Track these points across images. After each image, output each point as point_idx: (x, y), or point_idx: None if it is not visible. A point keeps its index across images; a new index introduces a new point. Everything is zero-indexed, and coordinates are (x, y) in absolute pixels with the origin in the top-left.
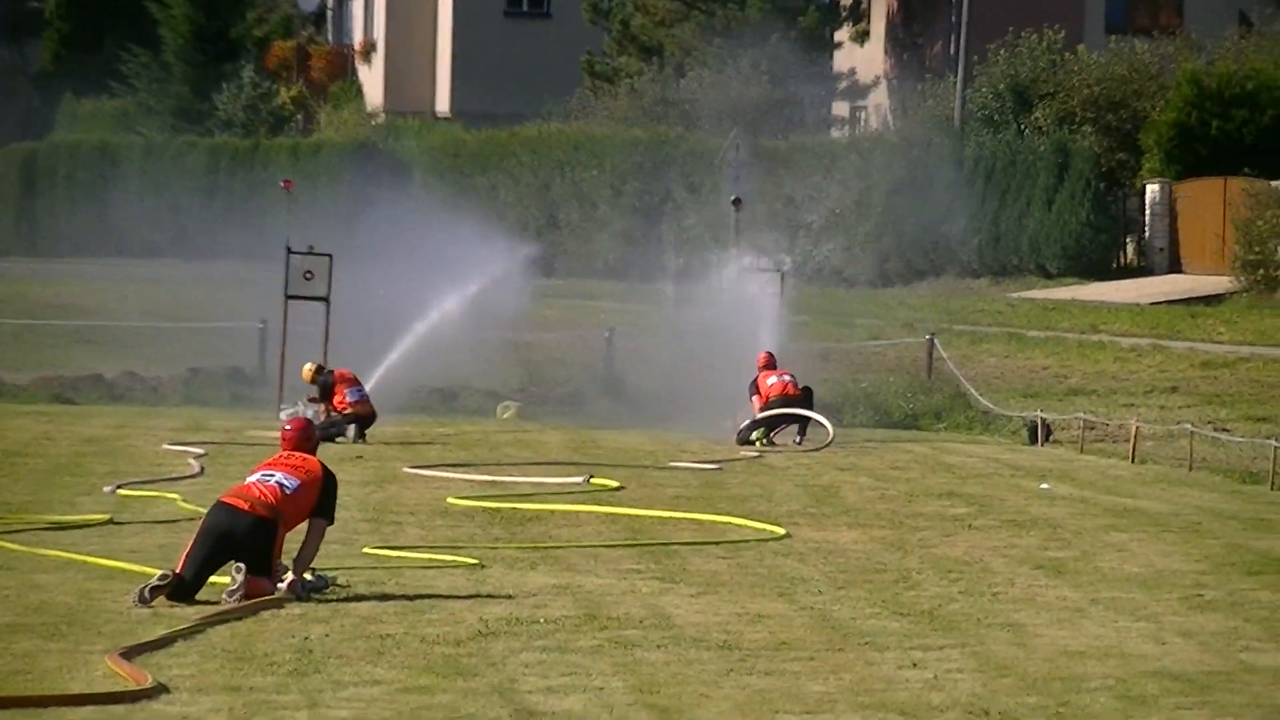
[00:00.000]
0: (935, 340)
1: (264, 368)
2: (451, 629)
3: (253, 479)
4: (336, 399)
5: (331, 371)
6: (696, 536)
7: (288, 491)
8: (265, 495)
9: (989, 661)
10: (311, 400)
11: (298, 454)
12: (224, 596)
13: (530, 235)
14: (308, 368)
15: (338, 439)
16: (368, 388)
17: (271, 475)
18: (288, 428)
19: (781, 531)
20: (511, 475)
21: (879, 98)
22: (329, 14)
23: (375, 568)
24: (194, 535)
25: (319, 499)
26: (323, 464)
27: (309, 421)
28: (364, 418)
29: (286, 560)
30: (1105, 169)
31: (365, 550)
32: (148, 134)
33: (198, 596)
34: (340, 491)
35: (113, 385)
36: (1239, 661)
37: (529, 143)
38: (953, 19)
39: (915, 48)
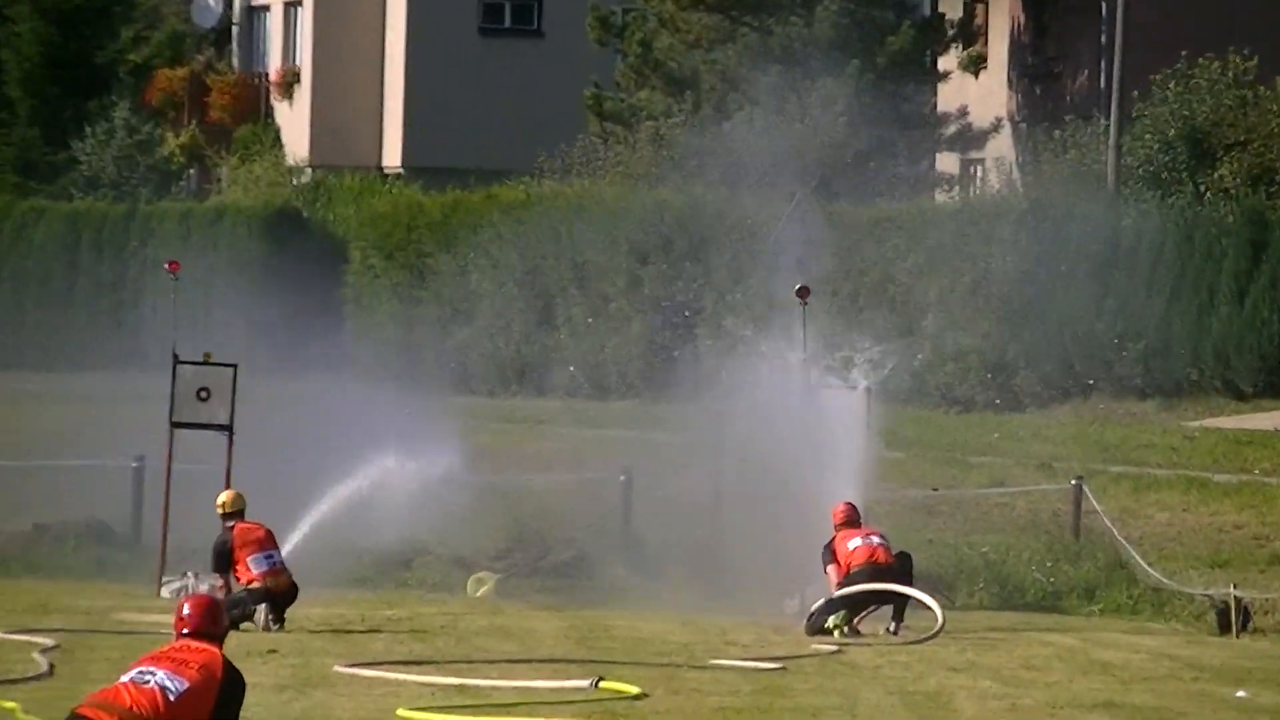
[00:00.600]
0: (1084, 487)
1: (139, 523)
2: None
3: (125, 679)
4: (238, 568)
5: (231, 526)
6: None
7: (171, 698)
8: (140, 705)
9: None
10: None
11: (195, 644)
12: None
13: (515, 335)
14: (225, 497)
15: (242, 624)
16: (284, 551)
17: (151, 674)
18: (186, 609)
19: None
20: (488, 677)
21: (1000, 147)
22: (234, 32)
23: None
24: None
25: (215, 711)
26: (226, 660)
27: (215, 603)
28: (278, 594)
29: None
30: None
31: None
32: None
33: None
34: (250, 698)
35: None
36: None
37: (513, 209)
38: (1102, 39)
39: (1051, 79)
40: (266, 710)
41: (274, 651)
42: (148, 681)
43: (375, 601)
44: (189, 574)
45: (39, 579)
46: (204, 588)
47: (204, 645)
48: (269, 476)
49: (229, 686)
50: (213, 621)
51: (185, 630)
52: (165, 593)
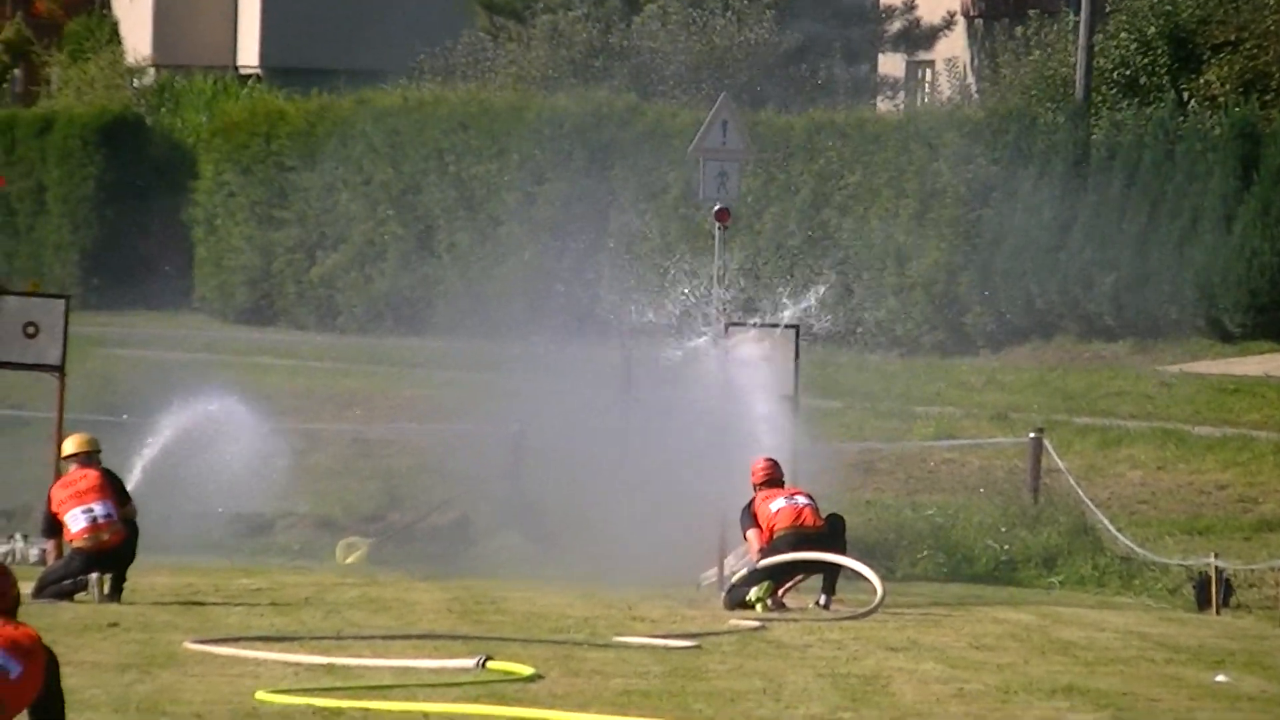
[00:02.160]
0: (1045, 441)
1: None
2: None
3: None
4: (64, 529)
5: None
6: None
7: (11, 677)
8: None
9: None
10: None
11: (10, 624)
12: None
13: (390, 264)
14: (72, 441)
15: (76, 595)
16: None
17: None
18: None
19: None
20: (359, 656)
21: (953, 48)
22: None
23: None
24: None
25: (42, 692)
26: (41, 639)
27: (2, 568)
28: (106, 553)
29: None
30: None
31: None
32: None
33: None
34: (88, 679)
35: None
36: None
37: (387, 116)
38: None
39: None
40: (106, 693)
41: (115, 625)
42: None
43: (230, 569)
44: (16, 536)
45: None
46: (34, 553)
47: (18, 624)
48: (110, 423)
49: (52, 672)
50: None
51: None
52: None
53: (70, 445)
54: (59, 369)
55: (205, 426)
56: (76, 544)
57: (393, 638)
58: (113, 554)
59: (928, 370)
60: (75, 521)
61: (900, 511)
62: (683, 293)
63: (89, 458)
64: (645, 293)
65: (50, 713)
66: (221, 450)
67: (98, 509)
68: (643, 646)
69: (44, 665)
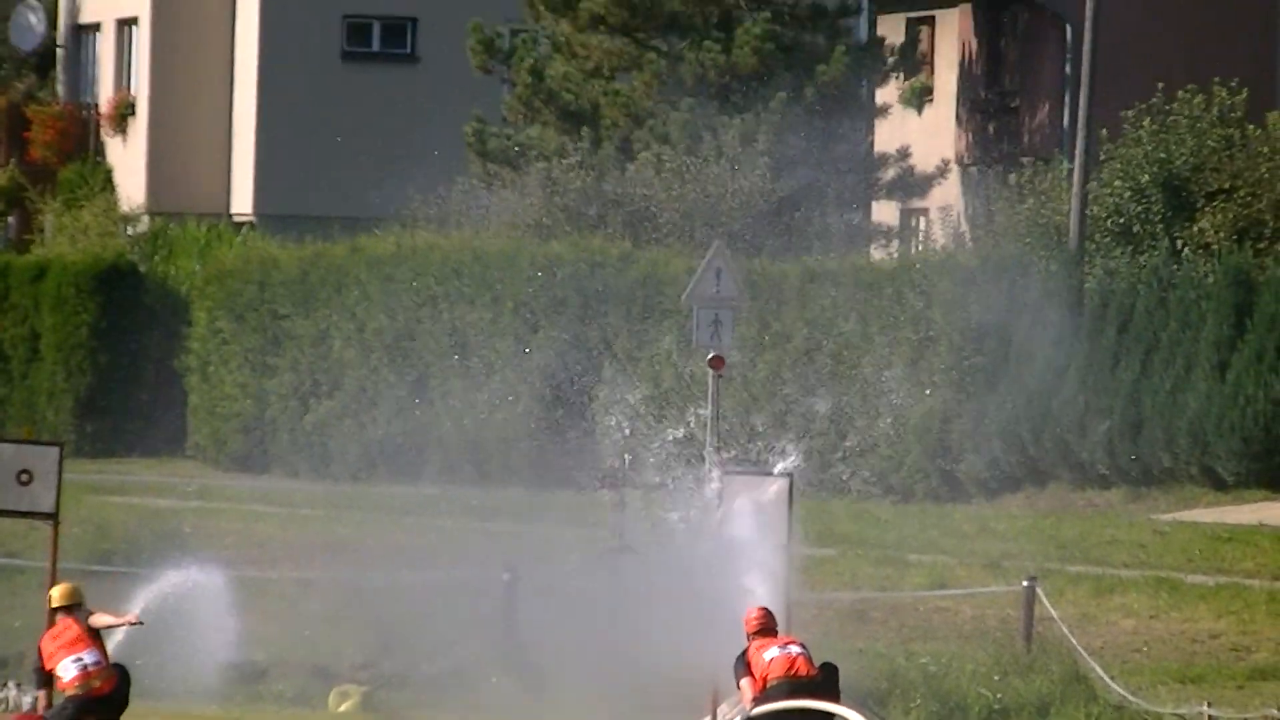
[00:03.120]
0: (1037, 589)
1: None
2: None
3: None
4: (56, 681)
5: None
6: None
7: None
8: None
9: None
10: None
11: None
12: None
13: (384, 411)
14: (57, 591)
15: None
16: (111, 647)
17: None
18: None
19: None
20: None
21: (947, 195)
22: (58, 55)
23: None
24: None
25: None
26: None
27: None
28: (103, 699)
29: None
30: None
31: None
32: None
33: None
34: None
35: None
36: None
37: (381, 264)
38: (1067, 69)
39: (1006, 114)
40: None
41: None
42: None
43: (223, 716)
44: (11, 684)
45: None
46: (26, 701)
47: None
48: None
49: None
50: None
51: None
52: None
53: (56, 597)
54: (53, 516)
55: (197, 574)
56: (69, 692)
57: None
58: (105, 701)
59: (921, 518)
60: (66, 671)
61: (893, 660)
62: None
63: (75, 609)
64: (638, 439)
65: None
66: (214, 598)
67: (87, 657)
68: None
69: None
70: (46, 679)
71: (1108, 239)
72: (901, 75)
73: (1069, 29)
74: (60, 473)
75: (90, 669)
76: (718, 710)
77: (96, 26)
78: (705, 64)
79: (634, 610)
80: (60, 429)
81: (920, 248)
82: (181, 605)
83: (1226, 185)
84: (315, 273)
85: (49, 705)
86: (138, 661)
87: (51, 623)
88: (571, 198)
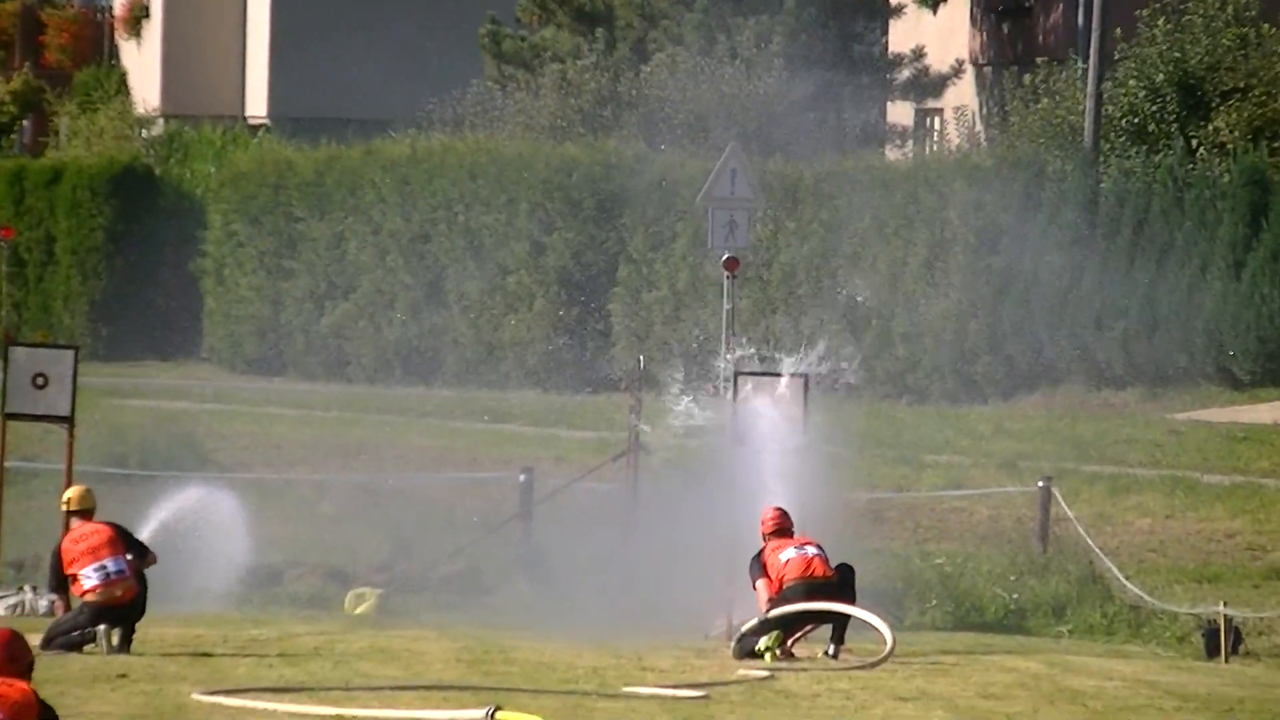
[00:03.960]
0: (1053, 489)
1: None
2: None
3: None
4: (74, 580)
5: (60, 539)
6: None
7: None
8: None
9: None
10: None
11: (3, 680)
12: None
13: (399, 314)
14: (72, 493)
15: (85, 646)
16: (120, 565)
17: None
18: None
19: None
20: (368, 706)
21: (962, 95)
22: None
23: None
24: None
25: None
26: (37, 696)
27: (13, 635)
28: (120, 608)
29: None
30: None
31: None
32: None
33: None
34: None
35: None
36: None
37: (397, 166)
38: None
39: (1020, 15)
40: None
41: (124, 677)
42: None
43: (239, 620)
44: (26, 588)
45: None
46: (42, 604)
47: (12, 681)
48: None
49: (48, 716)
50: (9, 659)
51: None
52: (0, 608)
53: (74, 500)
54: (68, 420)
55: (213, 477)
56: (89, 598)
57: (402, 688)
58: (124, 609)
59: (937, 419)
60: (89, 578)
61: (909, 561)
62: (691, 341)
63: (90, 514)
64: (654, 341)
65: None
66: (229, 501)
67: (111, 565)
68: (652, 697)
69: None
70: (64, 582)
71: (1122, 139)
72: None
73: None
74: (76, 376)
75: (113, 577)
76: (733, 612)
77: None
78: None
79: (649, 512)
80: (76, 332)
81: (935, 148)
82: (196, 509)
83: (1241, 84)
84: (330, 175)
85: (67, 609)
86: (155, 566)
87: (66, 526)
88: (586, 100)
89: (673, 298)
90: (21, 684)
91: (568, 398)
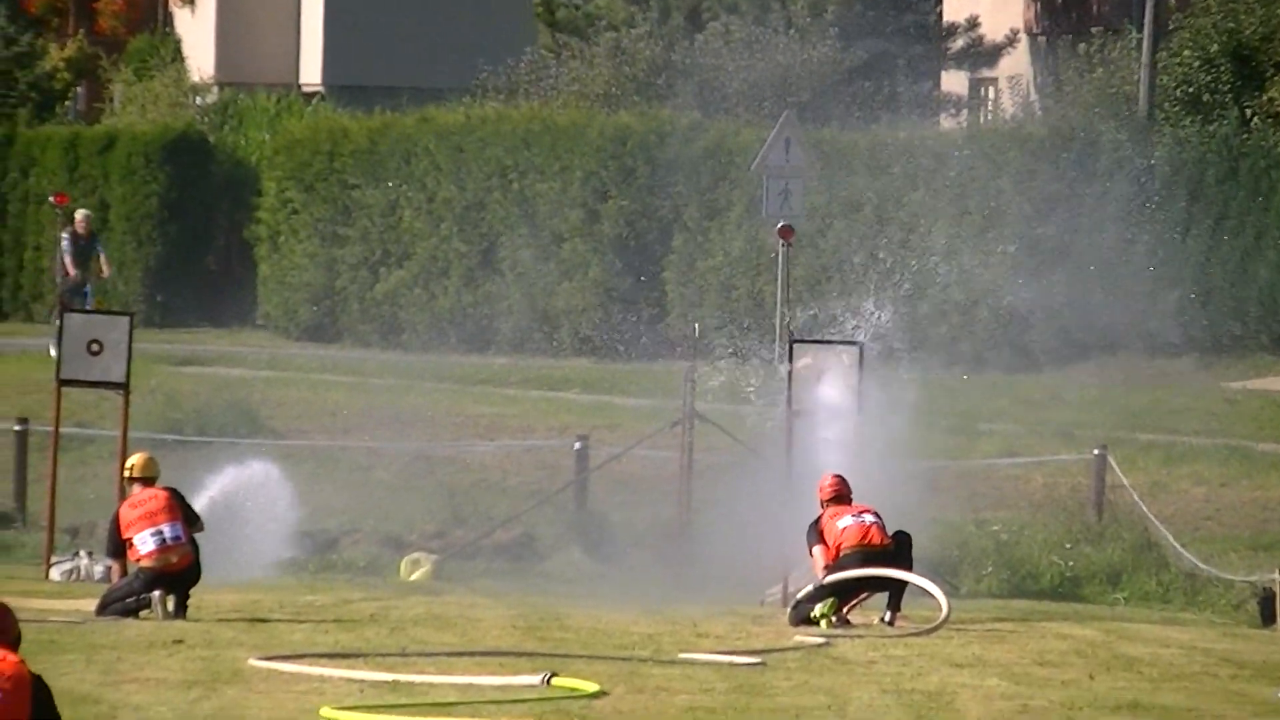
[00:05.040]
0: (1108, 457)
1: (24, 495)
2: None
3: None
4: (130, 550)
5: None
6: None
7: None
8: None
9: None
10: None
11: None
12: None
13: (453, 281)
14: (136, 459)
15: (142, 612)
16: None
17: None
18: None
19: None
20: (424, 672)
21: (1016, 65)
22: None
23: None
24: None
25: (33, 714)
26: (26, 665)
27: (2, 608)
28: (176, 574)
29: None
30: None
31: None
32: None
33: None
34: (152, 696)
35: None
36: None
37: (450, 134)
38: None
39: None
40: (172, 710)
41: (180, 642)
42: None
43: (295, 586)
44: (81, 553)
45: None
46: (98, 570)
47: (3, 652)
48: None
49: (40, 691)
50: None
51: None
52: (55, 574)
53: (137, 467)
54: (123, 386)
55: (268, 443)
56: (144, 564)
57: (457, 654)
58: (180, 576)
59: (992, 387)
60: (145, 543)
61: (965, 528)
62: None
63: (152, 481)
64: (708, 309)
65: None
66: (285, 468)
67: (167, 531)
68: (708, 663)
69: (30, 693)
70: (121, 548)
71: (1177, 108)
72: None
73: None
74: (130, 343)
75: (170, 543)
76: (789, 579)
77: None
78: None
79: (703, 479)
80: (130, 299)
81: (989, 118)
82: (252, 476)
83: None
84: (384, 143)
85: (123, 574)
86: (210, 532)
87: (125, 492)
88: (640, 68)
89: (727, 266)
90: (12, 656)
91: (622, 365)
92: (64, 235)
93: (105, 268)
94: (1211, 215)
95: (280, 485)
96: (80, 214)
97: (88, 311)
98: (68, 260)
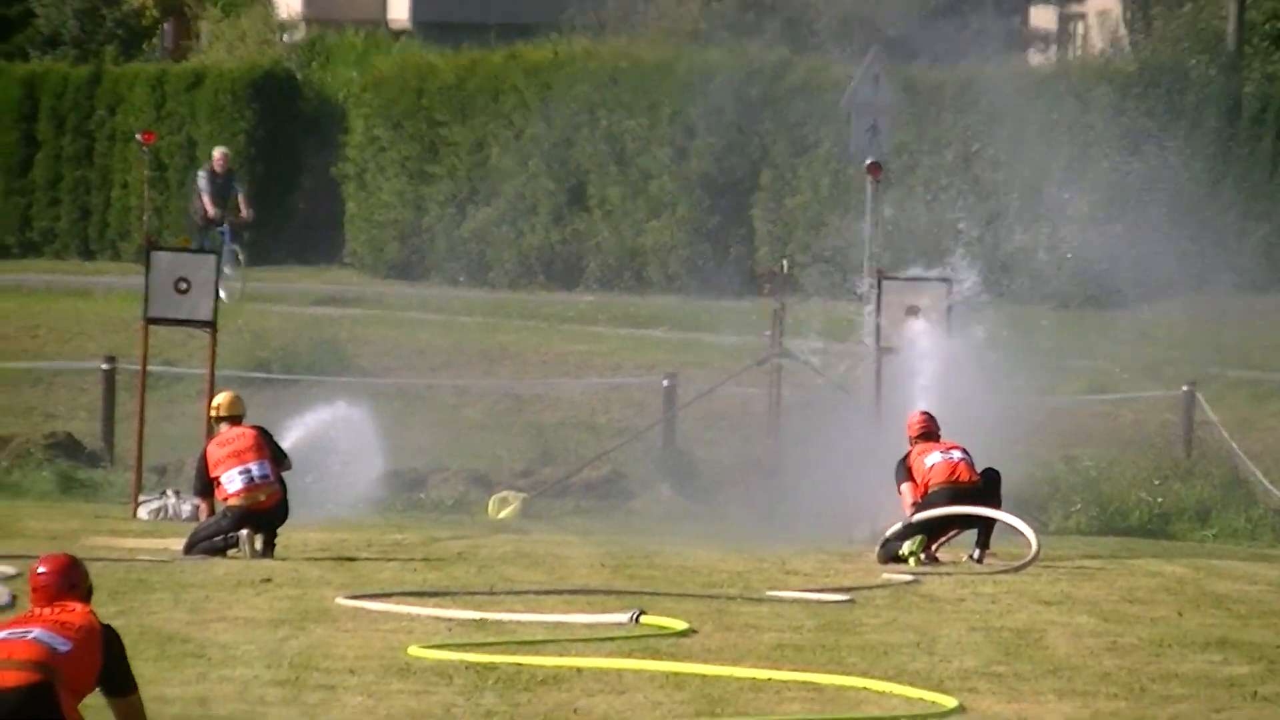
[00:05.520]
0: (1197, 394)
1: (112, 434)
2: None
3: None
4: (217, 484)
5: (210, 440)
6: (814, 711)
7: (61, 650)
8: (22, 654)
9: None
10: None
11: (61, 607)
12: None
13: (541, 219)
14: (222, 398)
15: (230, 552)
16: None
17: (27, 631)
18: (40, 570)
19: (952, 704)
20: (513, 611)
21: (1105, 1)
22: None
23: None
24: None
25: (104, 668)
26: (97, 616)
27: (72, 561)
28: (264, 513)
29: None
30: None
31: None
32: None
33: None
34: (241, 635)
35: None
36: None
37: (538, 72)
38: None
39: None
40: (259, 648)
41: (268, 581)
42: (24, 636)
43: (383, 525)
44: (169, 492)
45: None
46: (186, 509)
47: (73, 604)
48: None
49: (112, 644)
50: (68, 585)
51: (39, 594)
52: (143, 513)
53: (223, 406)
54: (210, 324)
55: (356, 381)
56: (232, 503)
57: (545, 593)
58: (267, 514)
59: (1079, 323)
60: (232, 482)
61: (1053, 465)
62: (834, 246)
63: (239, 420)
64: (796, 246)
65: (120, 688)
66: (372, 407)
67: (255, 469)
68: (796, 600)
69: (101, 644)
70: (209, 487)
71: (1266, 44)
72: None
73: None
74: (218, 281)
75: (258, 481)
76: (877, 515)
77: None
78: None
79: (791, 417)
80: (216, 238)
81: (1078, 53)
82: (340, 414)
83: None
84: (472, 81)
85: (210, 513)
86: (298, 471)
87: (211, 431)
88: (728, 4)
89: (815, 203)
90: (83, 607)
91: (710, 303)
92: (201, 173)
93: (245, 207)
94: None
95: (368, 424)
96: (218, 151)
97: (175, 250)
98: (206, 200)
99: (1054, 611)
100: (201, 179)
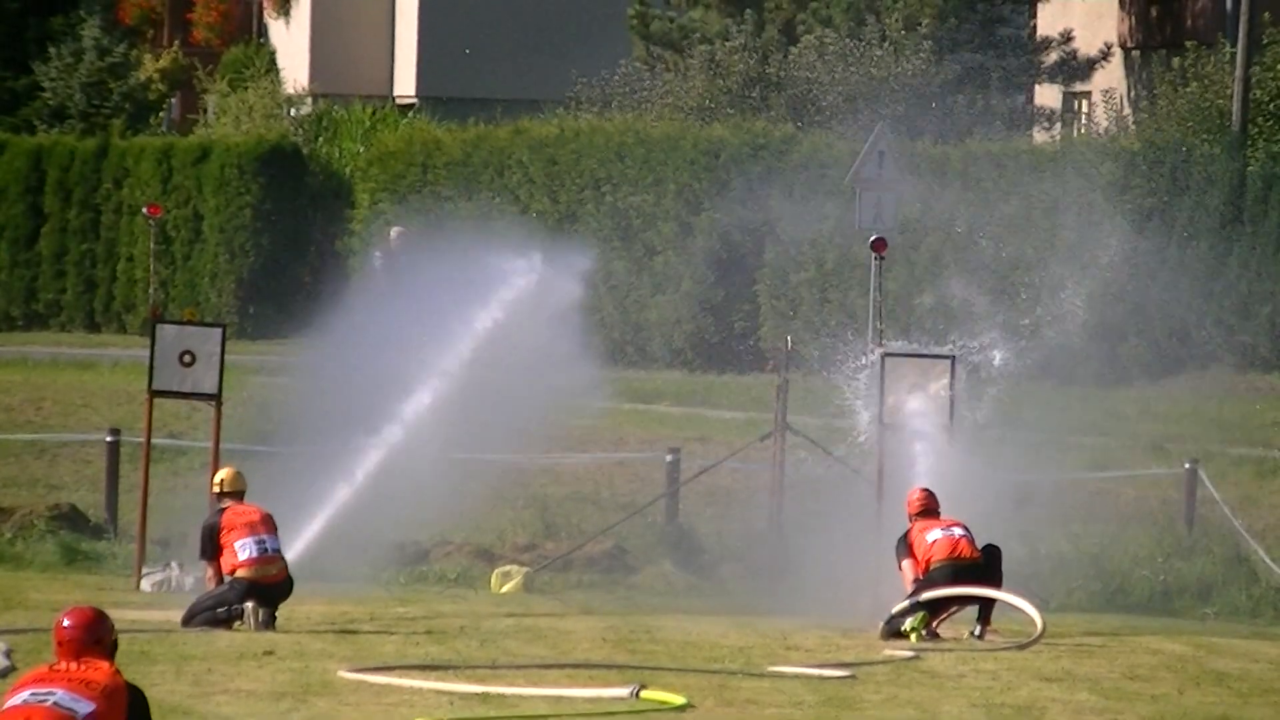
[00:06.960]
0: (1200, 471)
1: (115, 506)
2: None
3: (14, 702)
4: (224, 554)
5: (220, 510)
6: None
7: (81, 715)
8: None
9: None
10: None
11: (85, 664)
12: None
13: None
14: (225, 474)
15: (235, 623)
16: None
17: (49, 695)
18: (66, 623)
19: None
20: (515, 685)
21: (1110, 79)
22: None
23: None
24: None
25: None
26: (120, 674)
27: (98, 614)
28: (268, 587)
29: None
30: None
31: None
32: None
33: None
34: (243, 707)
35: None
36: None
37: (544, 146)
38: None
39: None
40: None
41: (270, 653)
42: (45, 701)
43: (386, 598)
44: (173, 564)
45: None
46: (189, 581)
47: (97, 662)
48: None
49: (136, 706)
50: (94, 640)
51: (65, 647)
52: (146, 585)
53: (226, 482)
54: (215, 398)
55: (360, 456)
56: (240, 573)
57: (547, 666)
58: (274, 588)
59: (1083, 400)
60: (245, 549)
61: (1055, 542)
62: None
63: (241, 495)
64: (801, 321)
65: None
66: (376, 479)
67: (269, 542)
68: (797, 676)
69: (125, 704)
70: (217, 550)
71: (1270, 123)
72: None
73: None
74: (223, 354)
75: (270, 554)
76: (878, 590)
77: None
78: None
79: (796, 492)
80: (223, 311)
81: (1082, 131)
82: (343, 487)
83: None
84: (478, 155)
85: (219, 581)
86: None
87: (216, 505)
88: (734, 80)
89: (820, 278)
90: (106, 665)
91: (714, 378)
92: (377, 253)
93: None
94: None
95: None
96: (395, 230)
97: (180, 323)
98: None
99: (1055, 688)
100: (378, 259)
